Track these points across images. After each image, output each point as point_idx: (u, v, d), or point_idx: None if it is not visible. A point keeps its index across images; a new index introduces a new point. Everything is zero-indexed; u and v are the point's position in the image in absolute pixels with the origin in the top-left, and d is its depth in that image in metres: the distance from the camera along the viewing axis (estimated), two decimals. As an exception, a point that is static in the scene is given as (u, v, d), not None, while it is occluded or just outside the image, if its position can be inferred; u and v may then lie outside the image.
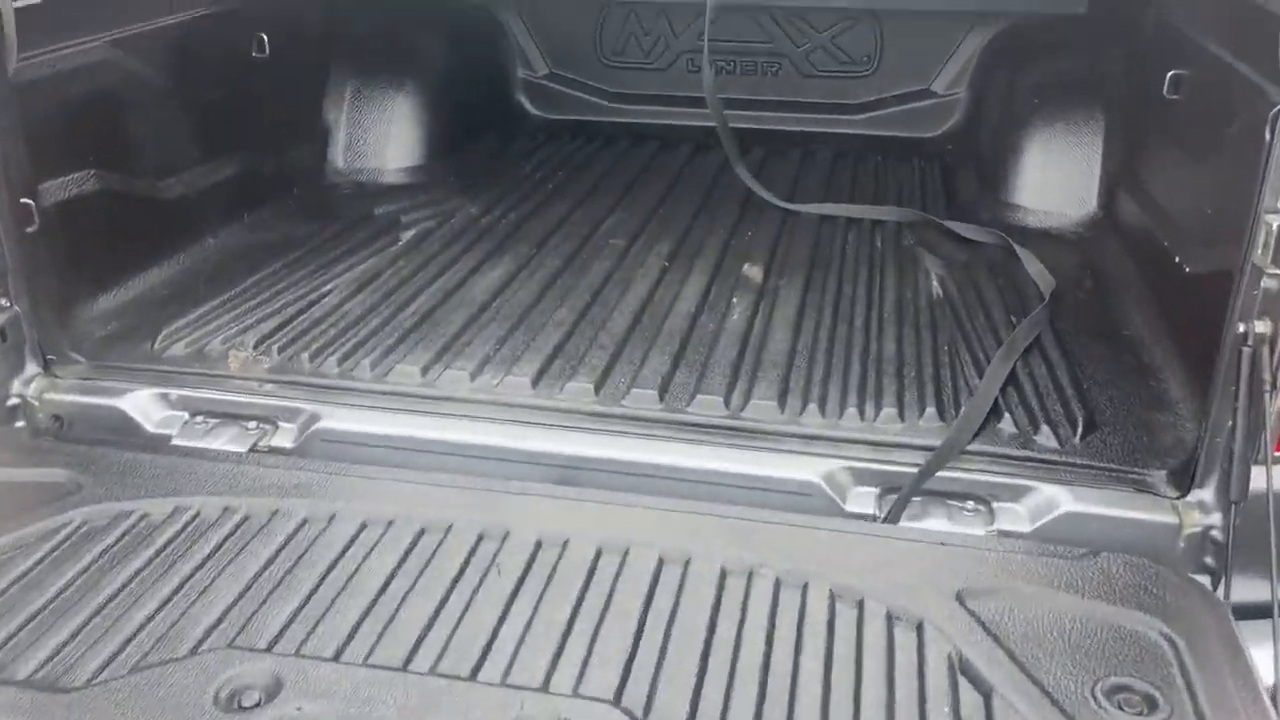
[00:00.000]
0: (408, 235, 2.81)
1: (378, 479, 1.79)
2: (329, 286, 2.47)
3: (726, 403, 1.97)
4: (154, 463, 1.81)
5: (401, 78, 3.36)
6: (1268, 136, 1.53)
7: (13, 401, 2.02)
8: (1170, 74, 2.31)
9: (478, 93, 3.75)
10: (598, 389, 2.01)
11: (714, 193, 3.18)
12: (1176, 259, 2.15)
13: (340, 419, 1.94)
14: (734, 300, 2.41)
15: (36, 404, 2.02)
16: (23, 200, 2.00)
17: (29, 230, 2.01)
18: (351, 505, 1.69)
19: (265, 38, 2.87)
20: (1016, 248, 2.62)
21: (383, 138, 3.30)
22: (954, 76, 3.63)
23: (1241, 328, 1.56)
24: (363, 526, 1.64)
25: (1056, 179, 2.87)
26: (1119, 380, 2.05)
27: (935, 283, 2.54)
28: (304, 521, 1.66)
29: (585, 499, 1.74)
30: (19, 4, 2.00)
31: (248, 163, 2.85)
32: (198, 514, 1.68)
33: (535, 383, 2.03)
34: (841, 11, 3.62)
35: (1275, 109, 1.54)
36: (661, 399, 1.98)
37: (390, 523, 1.65)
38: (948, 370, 2.10)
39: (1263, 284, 1.53)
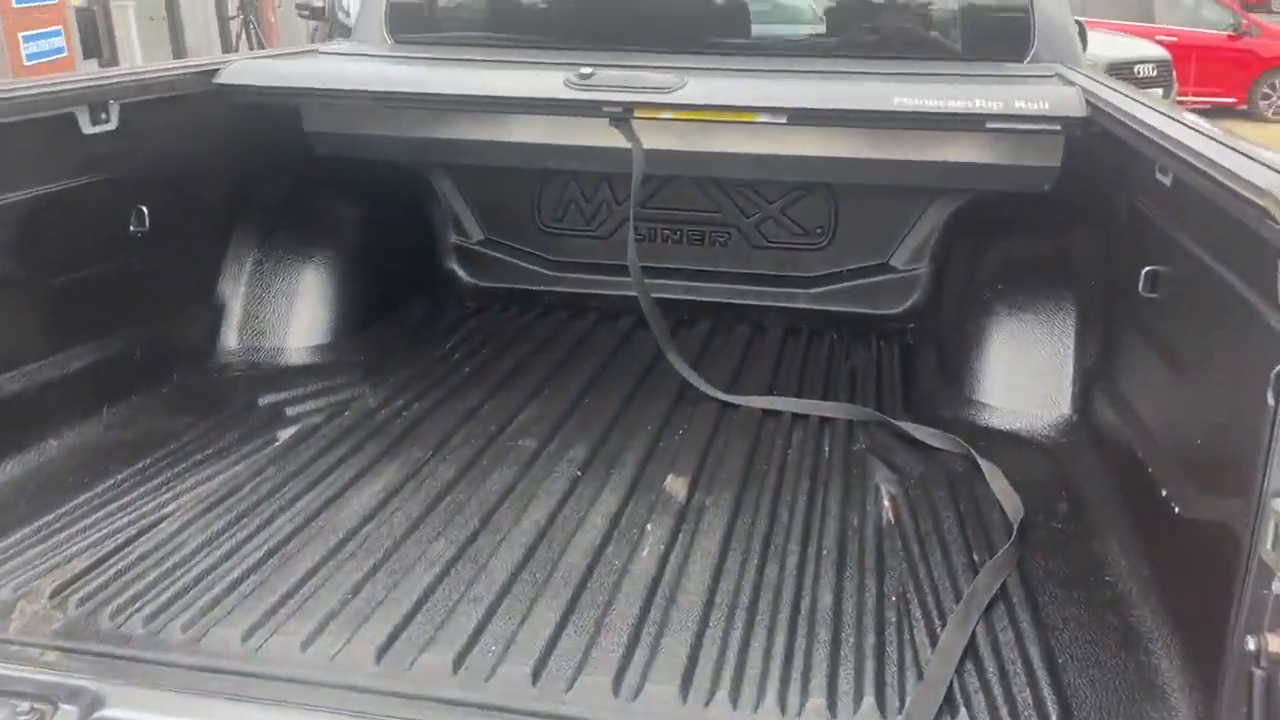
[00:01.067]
0: (286, 435, 2.45)
1: None
2: (172, 506, 2.10)
3: (616, 688, 1.58)
4: None
5: (312, 247, 3.07)
6: (1270, 401, 1.21)
7: None
8: (1145, 269, 2.02)
9: (402, 260, 3.47)
10: (457, 665, 1.62)
11: (648, 378, 2.86)
12: (1164, 493, 1.80)
13: (128, 705, 1.54)
14: (649, 527, 2.04)
15: None
16: None
17: None
18: None
19: (145, 210, 2.58)
20: (980, 461, 2.28)
21: (285, 313, 2.98)
22: (914, 250, 3.37)
23: (1251, 644, 1.20)
24: None
25: (1024, 375, 2.56)
26: (1101, 653, 1.67)
27: (886, 503, 2.18)
28: None
29: None
30: None
31: (113, 349, 2.51)
32: None
33: (381, 655, 1.64)
34: (793, 182, 3.39)
35: (1277, 370, 1.23)
36: (535, 681, 1.59)
37: None
38: (893, 635, 1.72)
39: (1274, 588, 1.18)
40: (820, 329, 3.29)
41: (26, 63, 7.64)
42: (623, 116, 2.56)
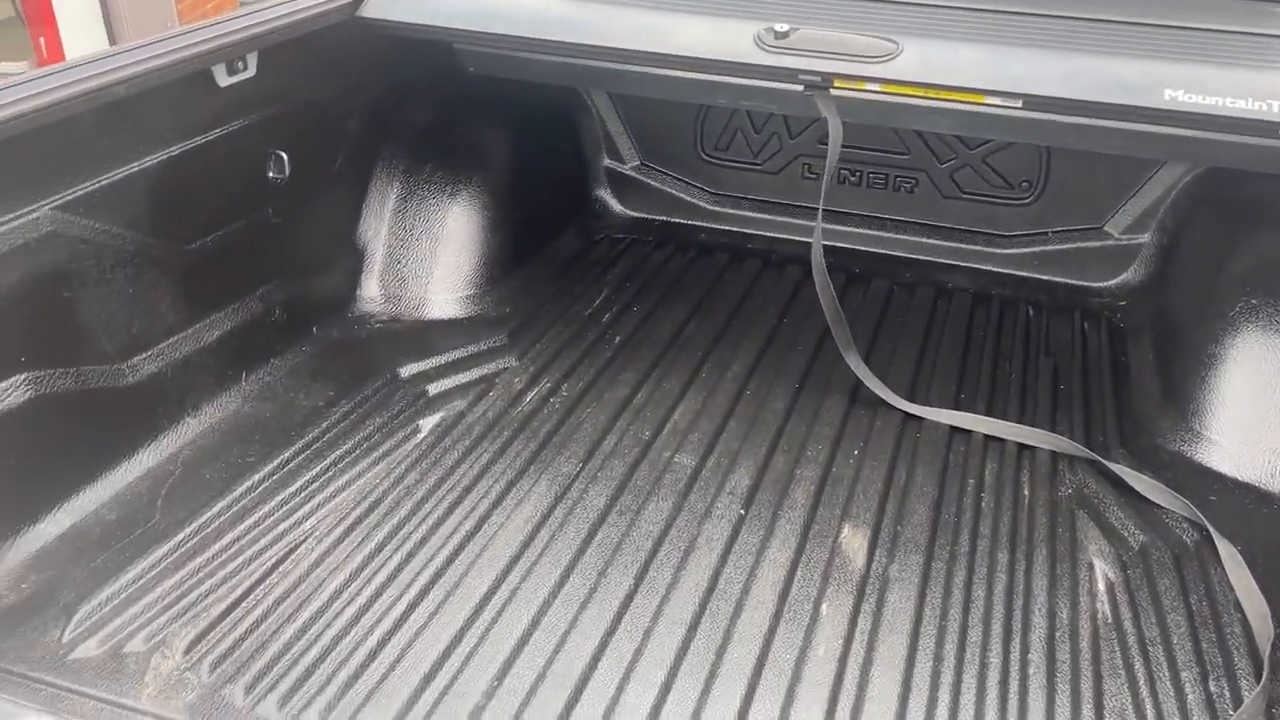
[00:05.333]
0: (428, 426, 2.27)
1: None
2: (310, 523, 1.96)
3: None
4: None
5: (460, 180, 2.82)
6: None
7: (-128, 714, 1.58)
8: None
9: (552, 189, 3.19)
10: None
11: (818, 361, 2.56)
12: None
13: None
14: (824, 609, 1.80)
15: (-99, 719, 1.58)
16: None
17: None
18: None
19: (284, 155, 2.36)
20: (1218, 541, 1.94)
21: (429, 259, 2.77)
22: (1137, 217, 2.90)
23: None
24: None
25: (1275, 417, 2.16)
26: None
27: (1102, 589, 1.88)
28: None
29: None
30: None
31: (252, 311, 2.36)
32: None
33: None
34: None
35: None
36: None
37: None
38: None
39: None
40: (1015, 298, 2.90)
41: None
42: (821, 85, 2.17)
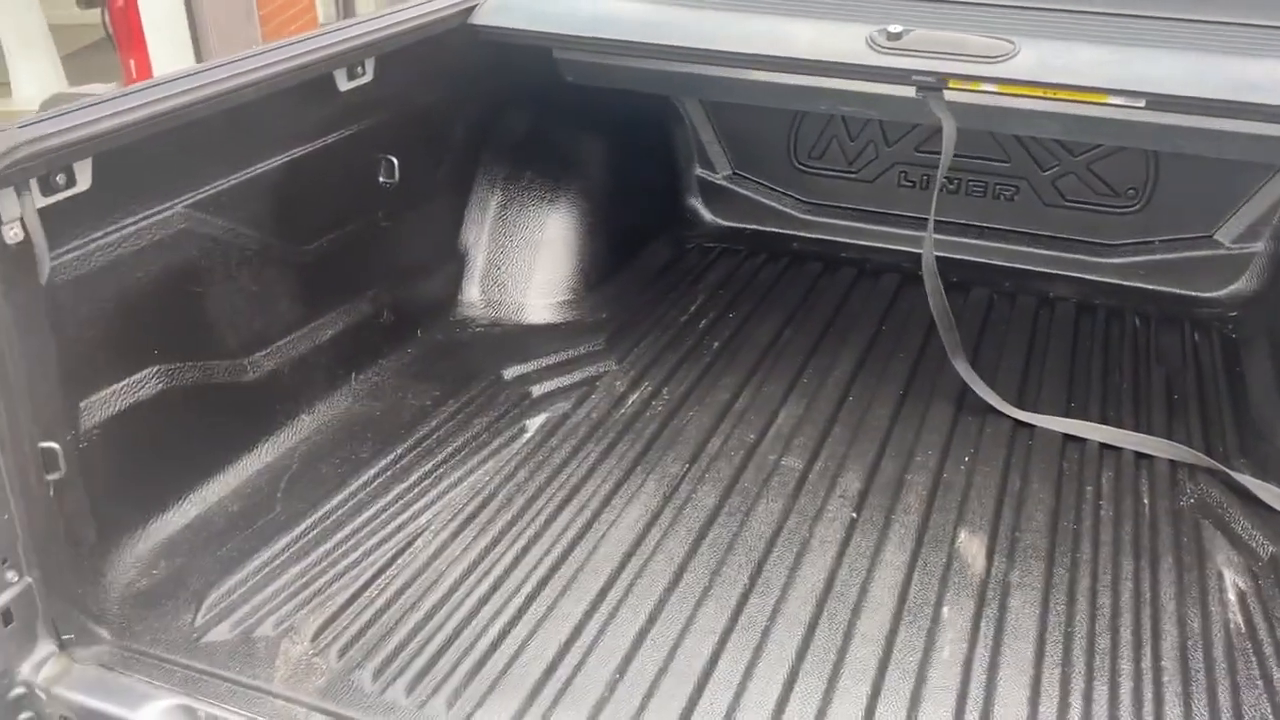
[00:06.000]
0: (534, 426, 2.29)
1: None
2: (425, 518, 1.98)
3: None
4: None
5: (558, 189, 2.85)
6: None
7: (17, 691, 1.62)
8: None
9: (646, 198, 3.21)
10: None
11: (920, 369, 2.53)
12: None
13: None
14: (945, 611, 1.78)
15: (44, 697, 1.62)
16: (44, 445, 1.59)
17: (53, 478, 1.61)
18: None
19: (394, 160, 2.41)
20: (1355, 554, 1.88)
21: (528, 264, 2.80)
22: (1247, 226, 2.83)
23: None
24: None
25: None
26: None
27: (1233, 599, 1.82)
28: None
29: None
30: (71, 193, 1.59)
31: (362, 312, 2.41)
32: None
33: None
34: None
35: None
36: None
37: None
38: None
39: None
40: (1120, 307, 2.84)
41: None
42: (934, 86, 2.15)
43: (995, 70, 2.08)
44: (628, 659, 1.66)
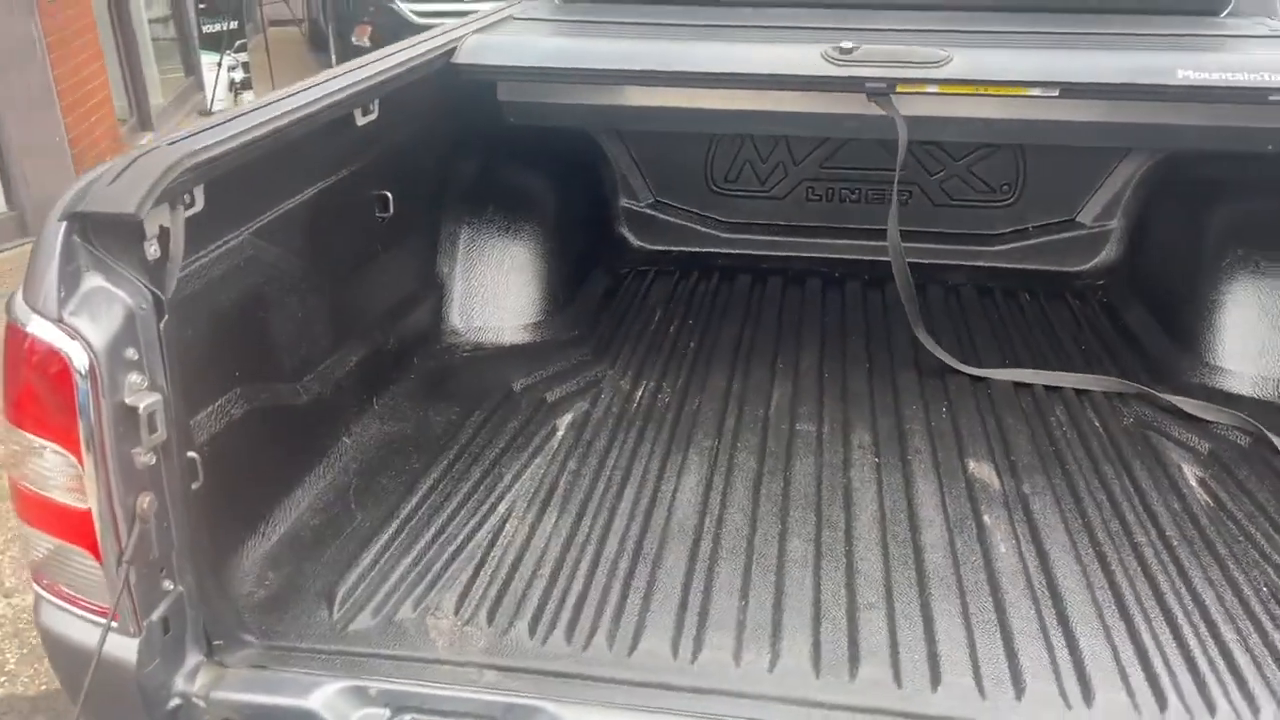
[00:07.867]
0: (564, 424, 2.45)
1: None
2: (504, 507, 2.11)
3: (1012, 689, 1.64)
4: None
5: (515, 221, 3.03)
6: None
7: (174, 703, 1.63)
8: None
9: (587, 229, 3.43)
10: (898, 677, 1.66)
11: (873, 347, 2.87)
12: None
13: None
14: (986, 519, 2.08)
15: (203, 704, 1.63)
16: (190, 454, 1.63)
17: (194, 487, 1.64)
18: None
19: (389, 194, 2.53)
20: (1275, 438, 2.32)
21: (499, 291, 2.96)
22: (1104, 206, 3.37)
23: None
24: None
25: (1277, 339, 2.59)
26: None
27: (1195, 485, 2.22)
28: None
29: None
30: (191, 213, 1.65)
31: (375, 339, 2.49)
32: None
33: (816, 666, 1.68)
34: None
35: None
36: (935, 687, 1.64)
37: None
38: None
39: None
40: (1012, 288, 3.30)
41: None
42: (884, 91, 2.52)
43: (937, 73, 2.46)
44: (743, 593, 1.85)
